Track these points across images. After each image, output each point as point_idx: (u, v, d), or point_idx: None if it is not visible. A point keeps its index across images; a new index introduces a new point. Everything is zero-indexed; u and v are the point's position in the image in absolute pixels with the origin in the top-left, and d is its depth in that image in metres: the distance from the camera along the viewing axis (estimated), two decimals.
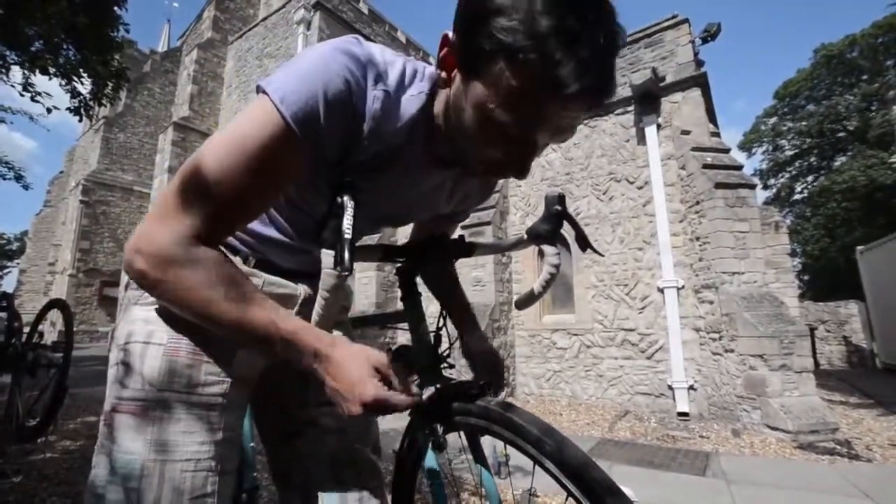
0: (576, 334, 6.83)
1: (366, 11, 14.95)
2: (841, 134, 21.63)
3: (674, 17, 6.74)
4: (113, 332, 0.69)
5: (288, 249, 0.74)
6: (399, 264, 0.86)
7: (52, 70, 4.53)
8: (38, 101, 4.63)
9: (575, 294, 6.93)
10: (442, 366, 0.82)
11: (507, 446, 0.64)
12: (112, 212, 17.90)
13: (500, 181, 5.60)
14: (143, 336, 0.64)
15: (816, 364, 11.06)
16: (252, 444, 1.16)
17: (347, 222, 0.60)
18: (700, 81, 6.29)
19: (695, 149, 5.94)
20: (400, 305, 0.86)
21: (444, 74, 0.59)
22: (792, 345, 4.75)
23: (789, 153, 24.17)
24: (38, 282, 20.96)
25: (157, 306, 0.65)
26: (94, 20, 4.40)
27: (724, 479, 3.41)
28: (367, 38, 0.64)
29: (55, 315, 3.70)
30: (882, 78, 19.73)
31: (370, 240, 6.78)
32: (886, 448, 4.42)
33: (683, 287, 5.98)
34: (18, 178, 8.76)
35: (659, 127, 6.45)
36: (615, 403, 6.29)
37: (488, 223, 7.06)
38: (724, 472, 3.58)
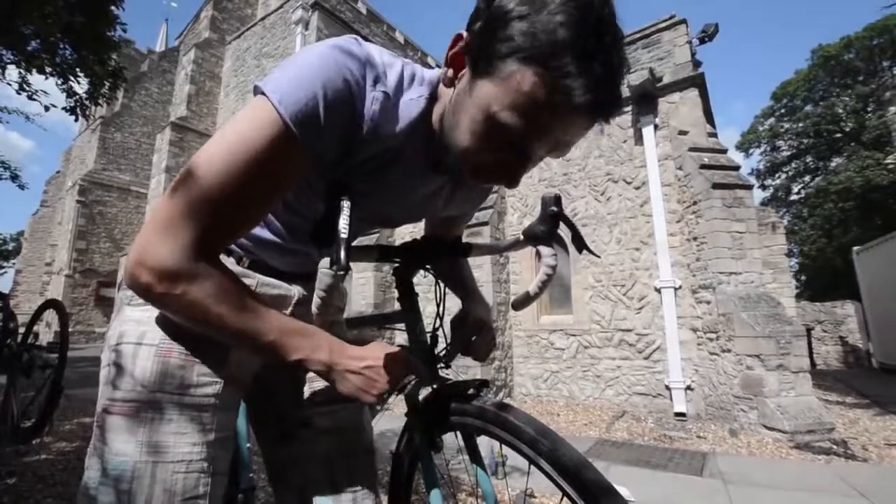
0: (573, 335, 6.83)
1: (364, 11, 14.96)
2: (837, 135, 21.72)
3: (671, 17, 6.74)
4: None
5: (282, 250, 0.74)
6: (396, 265, 0.86)
7: (48, 69, 4.49)
8: (35, 100, 4.60)
9: (572, 294, 6.93)
10: (439, 366, 0.82)
11: (503, 446, 0.64)
12: (109, 212, 17.86)
13: None
14: (135, 337, 0.64)
15: (813, 364, 11.12)
16: (248, 445, 1.16)
17: (344, 222, 0.60)
18: (697, 82, 6.30)
19: (692, 149, 5.94)
20: (397, 306, 0.86)
21: (450, 73, 0.59)
22: (789, 345, 4.76)
23: (786, 154, 24.28)
24: (35, 282, 20.89)
25: (149, 307, 0.64)
26: (90, 19, 4.37)
27: (721, 479, 3.42)
28: (366, 39, 0.64)
29: (51, 315, 3.68)
30: (878, 79, 19.83)
31: (367, 240, 6.77)
32: (882, 448, 4.44)
33: (681, 287, 5.99)
34: (15, 177, 8.70)
35: (656, 127, 6.45)
36: (612, 404, 6.30)
37: (486, 223, 7.06)
38: (721, 472, 3.58)
